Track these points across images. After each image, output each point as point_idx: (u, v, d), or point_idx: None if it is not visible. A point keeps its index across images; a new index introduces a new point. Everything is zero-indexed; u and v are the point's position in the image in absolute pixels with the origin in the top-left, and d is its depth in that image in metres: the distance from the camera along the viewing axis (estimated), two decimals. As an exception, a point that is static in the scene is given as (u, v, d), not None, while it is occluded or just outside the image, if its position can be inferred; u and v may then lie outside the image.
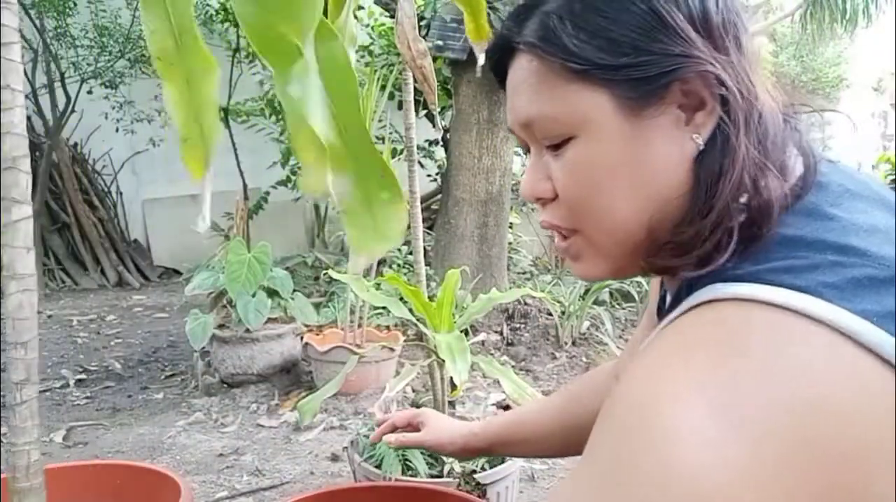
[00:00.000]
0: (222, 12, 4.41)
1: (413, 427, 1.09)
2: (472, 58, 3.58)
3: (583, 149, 0.53)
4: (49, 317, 4.48)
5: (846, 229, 0.46)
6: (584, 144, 0.53)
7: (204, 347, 2.85)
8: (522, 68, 0.55)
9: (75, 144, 5.77)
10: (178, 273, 5.74)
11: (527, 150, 0.60)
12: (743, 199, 0.49)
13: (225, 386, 2.90)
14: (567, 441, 0.95)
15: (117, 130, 5.53)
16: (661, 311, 0.74)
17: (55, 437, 2.48)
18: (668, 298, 0.57)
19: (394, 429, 1.10)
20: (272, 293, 2.89)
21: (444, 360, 1.60)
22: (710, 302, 0.45)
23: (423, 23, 3.77)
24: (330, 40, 0.65)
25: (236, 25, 4.65)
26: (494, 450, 1.02)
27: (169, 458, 2.31)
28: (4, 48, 0.53)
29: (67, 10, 5.01)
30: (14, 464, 0.54)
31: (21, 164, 0.54)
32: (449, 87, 3.92)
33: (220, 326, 2.90)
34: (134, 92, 5.37)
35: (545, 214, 0.58)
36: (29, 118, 5.37)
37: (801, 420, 0.38)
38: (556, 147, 0.54)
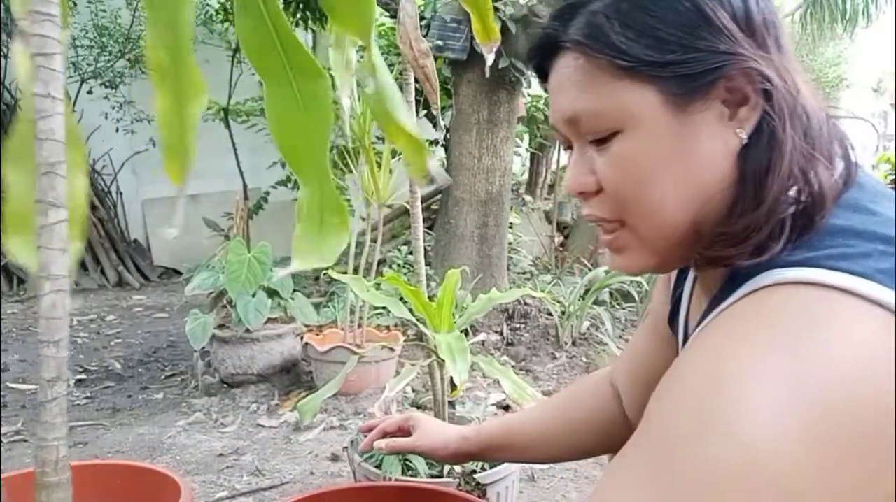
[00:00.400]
0: (222, 12, 4.41)
1: (404, 431, 1.07)
2: (472, 58, 3.58)
3: (629, 143, 0.54)
4: (49, 317, 4.48)
5: (888, 222, 0.49)
6: (630, 139, 0.54)
7: (204, 347, 2.85)
8: (568, 66, 0.56)
9: (75, 144, 5.77)
10: (178, 273, 5.74)
11: (567, 147, 0.61)
12: (793, 191, 0.51)
13: (225, 386, 2.90)
14: (559, 447, 0.95)
15: (117, 130, 5.52)
16: (675, 314, 0.75)
17: (55, 437, 2.48)
18: (713, 292, 0.58)
19: (384, 435, 1.08)
20: (272, 293, 2.89)
21: (444, 360, 1.59)
22: (770, 286, 0.47)
23: (423, 23, 3.77)
24: (316, 78, 0.70)
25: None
26: (486, 455, 1.00)
27: (169, 458, 2.31)
28: (46, 59, 0.56)
29: (67, 10, 5.00)
30: (43, 459, 0.55)
31: (58, 170, 0.56)
32: (449, 87, 3.92)
33: (220, 326, 2.90)
34: (134, 92, 5.36)
35: (589, 208, 0.59)
36: (29, 118, 5.37)
37: (860, 396, 0.40)
38: (602, 142, 0.56)
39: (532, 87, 4.43)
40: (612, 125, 0.54)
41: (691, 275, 0.72)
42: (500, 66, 3.47)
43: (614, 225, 0.58)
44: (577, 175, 0.58)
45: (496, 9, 3.40)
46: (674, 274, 0.78)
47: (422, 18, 3.78)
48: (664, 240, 0.56)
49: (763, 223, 0.51)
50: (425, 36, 3.72)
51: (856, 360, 0.41)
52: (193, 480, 2.15)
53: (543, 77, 0.61)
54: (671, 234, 0.56)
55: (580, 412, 0.95)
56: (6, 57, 4.88)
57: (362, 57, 0.72)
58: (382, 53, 3.96)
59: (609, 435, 0.91)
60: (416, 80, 1.43)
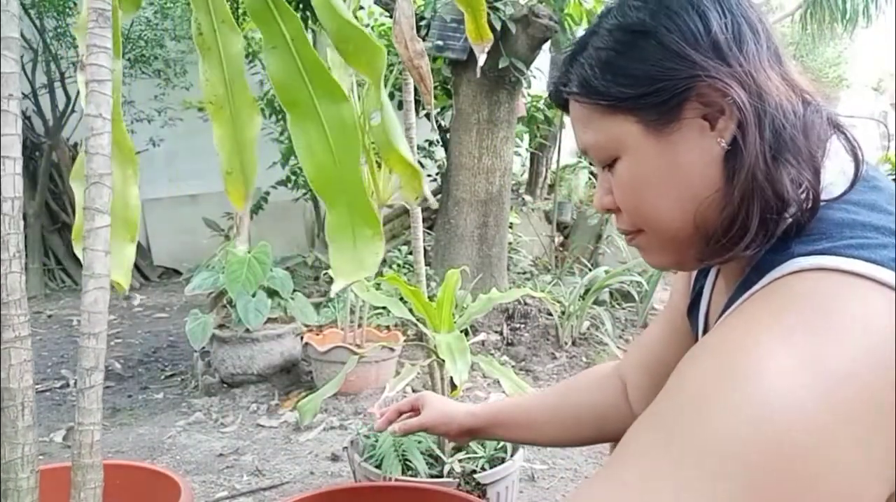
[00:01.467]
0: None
1: (415, 410, 1.10)
2: (472, 58, 3.58)
3: (626, 166, 0.63)
4: (49, 316, 4.49)
5: None
6: (626, 163, 0.63)
7: (204, 347, 2.85)
8: (574, 109, 0.67)
9: (75, 144, 5.77)
10: (178, 273, 5.74)
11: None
12: (770, 188, 0.57)
13: (225, 386, 2.90)
14: (562, 429, 0.98)
15: (117, 130, 5.53)
16: (695, 307, 0.81)
17: (55, 437, 2.48)
18: (735, 282, 0.64)
19: (399, 414, 1.11)
20: (272, 293, 2.89)
21: (444, 360, 1.60)
22: (794, 273, 0.52)
23: (423, 23, 3.77)
24: (341, 102, 0.76)
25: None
26: (491, 432, 1.04)
27: (169, 458, 2.31)
28: (100, 84, 0.65)
29: (67, 10, 5.01)
30: (80, 442, 0.63)
31: (105, 181, 0.63)
32: (449, 87, 3.92)
33: (220, 326, 2.91)
34: (134, 92, 5.36)
35: (617, 222, 0.69)
36: (29, 118, 5.37)
37: (873, 370, 0.45)
38: (609, 167, 0.66)
39: (532, 87, 4.43)
40: (611, 153, 0.64)
41: (714, 269, 0.78)
42: (500, 66, 3.47)
43: (633, 233, 0.68)
44: (600, 195, 0.68)
45: (496, 9, 3.40)
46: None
47: (422, 18, 3.78)
48: (672, 242, 0.65)
49: (745, 221, 0.57)
50: (425, 36, 3.72)
51: (871, 339, 0.46)
52: (193, 480, 2.15)
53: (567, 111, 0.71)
54: (677, 237, 0.64)
55: (585, 398, 0.98)
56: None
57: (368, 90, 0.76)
58: (382, 53, 3.97)
59: (611, 425, 0.94)
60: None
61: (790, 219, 0.56)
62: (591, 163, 0.65)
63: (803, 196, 0.56)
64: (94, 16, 0.64)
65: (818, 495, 0.43)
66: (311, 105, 0.76)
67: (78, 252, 0.74)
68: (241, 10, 4.53)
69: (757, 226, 0.57)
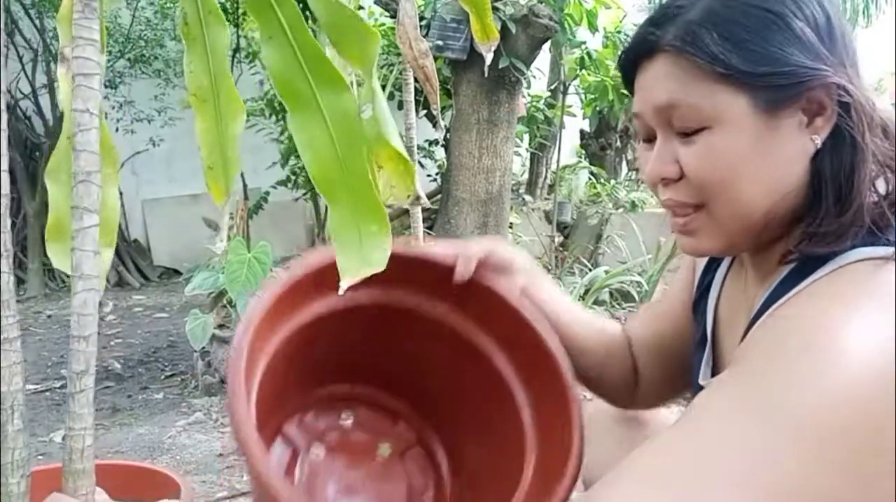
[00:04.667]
0: (223, 12, 4.40)
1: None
2: (472, 58, 3.58)
3: (718, 139, 0.60)
4: (49, 317, 4.48)
5: None
6: (718, 135, 0.60)
7: (204, 347, 2.84)
8: (667, 64, 0.62)
9: (75, 144, 5.77)
10: (178, 273, 5.73)
11: (646, 140, 0.68)
12: (882, 188, 0.59)
13: (225, 386, 2.89)
14: (591, 355, 0.90)
15: (117, 130, 5.52)
16: (702, 300, 0.81)
17: (55, 437, 2.48)
18: (772, 276, 0.65)
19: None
20: (272, 293, 2.88)
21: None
22: (859, 261, 0.56)
23: (423, 23, 3.76)
24: (342, 92, 0.74)
25: (236, 25, 4.65)
26: None
27: (169, 458, 2.31)
28: (86, 78, 0.62)
29: (62, 1, 5.00)
30: (71, 447, 0.61)
31: (93, 178, 0.62)
32: (449, 87, 3.91)
33: (220, 326, 2.90)
34: (134, 92, 5.36)
35: (669, 192, 0.65)
36: (29, 118, 5.36)
37: None
38: (688, 134, 0.62)
39: (532, 87, 4.42)
40: (703, 120, 0.61)
41: (725, 263, 0.79)
42: (500, 66, 3.46)
43: (690, 209, 0.65)
44: (662, 163, 0.64)
45: (496, 9, 3.39)
46: (701, 263, 0.84)
47: (422, 18, 3.77)
48: (738, 225, 0.63)
49: (852, 222, 0.58)
50: (425, 36, 3.71)
51: None
52: (193, 480, 2.14)
53: (628, 73, 0.68)
54: (744, 222, 0.62)
55: (615, 345, 0.94)
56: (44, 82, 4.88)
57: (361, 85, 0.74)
58: (382, 53, 3.96)
59: (622, 380, 0.93)
60: (416, 80, 1.43)
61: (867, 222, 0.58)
62: (646, 131, 0.69)
63: (875, 199, 0.59)
64: (79, 6, 0.62)
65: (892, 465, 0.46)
66: (312, 96, 0.74)
67: (51, 253, 0.73)
68: (241, 10, 4.53)
69: (834, 226, 0.59)
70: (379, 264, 0.73)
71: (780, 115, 0.59)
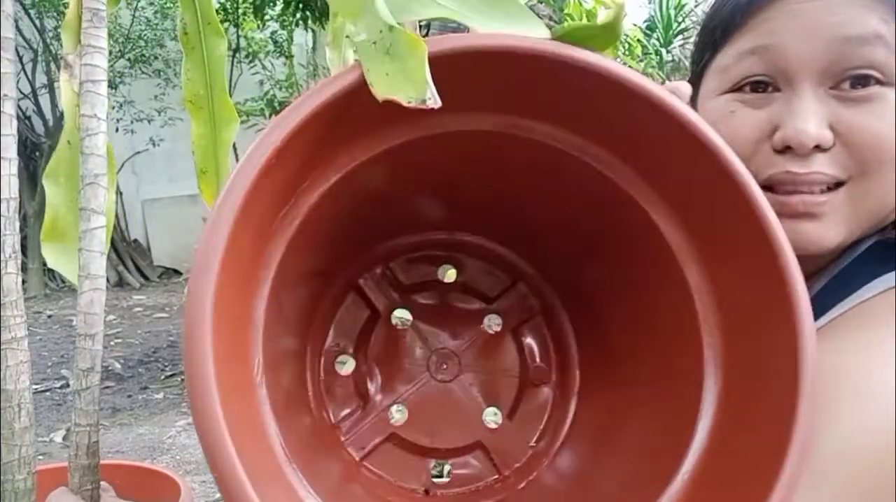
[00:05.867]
0: (222, 12, 4.41)
1: None
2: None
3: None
4: (49, 317, 4.49)
5: None
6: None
7: (204, 347, 2.85)
8: None
9: (75, 144, 5.78)
10: (178, 273, 5.75)
11: (757, 87, 0.52)
12: None
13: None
14: None
15: (117, 130, 5.53)
16: None
17: (55, 437, 2.48)
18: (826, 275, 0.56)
19: None
20: (272, 293, 2.89)
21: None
22: (881, 293, 0.50)
23: (423, 22, 3.77)
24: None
25: (236, 25, 4.66)
26: None
27: (169, 458, 2.31)
28: (94, 84, 0.64)
29: (67, 10, 5.01)
30: (77, 443, 0.60)
31: (101, 181, 0.63)
32: (449, 86, 3.92)
33: (220, 326, 2.91)
34: (134, 92, 5.37)
35: (818, 164, 0.50)
36: (29, 118, 5.38)
37: None
38: (857, 89, 0.49)
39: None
40: (887, 72, 0.48)
41: None
42: (499, 66, 3.47)
43: (832, 184, 0.51)
44: (819, 126, 0.49)
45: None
46: None
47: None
48: (878, 210, 0.52)
49: None
50: (425, 36, 3.72)
51: None
52: (193, 480, 2.15)
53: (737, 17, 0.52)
54: (887, 207, 0.52)
55: None
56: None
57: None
58: (382, 53, 3.97)
59: None
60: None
61: None
62: (776, 79, 0.51)
63: None
64: (88, 15, 0.64)
65: None
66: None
67: (47, 253, 0.74)
68: (240, 11, 4.53)
69: None
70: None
71: None
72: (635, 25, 5.45)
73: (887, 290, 0.50)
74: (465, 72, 0.43)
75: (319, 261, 0.53)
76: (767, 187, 0.51)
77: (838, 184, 0.51)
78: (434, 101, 0.40)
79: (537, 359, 0.61)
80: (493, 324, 0.61)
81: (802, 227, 0.51)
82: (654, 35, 5.70)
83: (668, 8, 5.90)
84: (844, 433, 0.44)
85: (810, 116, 0.49)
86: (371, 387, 0.56)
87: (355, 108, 0.44)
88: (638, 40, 5.14)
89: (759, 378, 0.43)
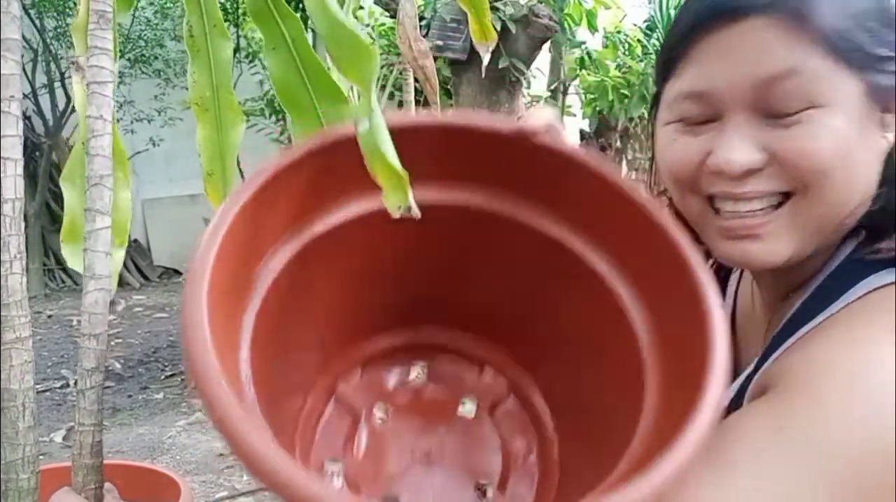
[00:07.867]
0: (222, 12, 4.41)
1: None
2: (472, 58, 3.58)
3: (827, 118, 0.53)
4: (49, 317, 4.49)
5: None
6: (827, 115, 0.53)
7: (204, 347, 2.85)
8: (770, 29, 0.53)
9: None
10: (178, 273, 5.74)
11: (699, 121, 0.57)
12: None
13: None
14: None
15: (117, 130, 5.53)
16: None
17: (55, 437, 2.48)
18: (799, 289, 0.60)
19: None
20: (272, 293, 2.89)
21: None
22: (883, 287, 0.52)
23: (422, 23, 3.77)
24: (340, 103, 0.74)
25: (237, 25, 4.66)
26: None
27: (169, 458, 2.32)
28: (100, 86, 0.64)
29: (67, 10, 5.01)
30: (81, 442, 0.60)
31: (106, 182, 0.62)
32: (449, 87, 3.92)
33: (221, 326, 2.91)
34: (134, 92, 5.37)
35: (753, 184, 0.55)
36: (29, 118, 5.37)
37: None
38: (788, 115, 0.53)
39: (532, 87, 4.43)
40: (812, 97, 0.53)
41: (735, 275, 0.74)
42: (500, 66, 3.47)
43: (773, 202, 0.56)
44: (748, 152, 0.54)
45: (496, 9, 3.40)
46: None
47: (422, 18, 3.78)
48: (823, 223, 0.56)
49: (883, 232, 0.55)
50: (425, 36, 3.72)
51: None
52: (193, 480, 2.15)
53: (699, 34, 0.56)
54: (830, 220, 0.56)
55: None
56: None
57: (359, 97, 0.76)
58: (382, 53, 3.97)
59: None
60: (416, 80, 1.43)
61: None
62: (711, 111, 0.57)
63: None
64: (94, 17, 0.64)
65: None
66: (311, 105, 0.76)
67: (66, 253, 0.75)
68: (241, 11, 4.53)
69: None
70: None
71: (875, 106, 0.54)
72: (635, 25, 5.45)
73: (880, 288, 0.52)
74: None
75: (296, 369, 0.57)
76: (712, 203, 0.57)
77: (787, 197, 0.55)
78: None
79: (516, 436, 0.64)
80: (468, 409, 0.65)
81: (748, 247, 0.56)
82: (654, 35, 5.69)
83: (668, 8, 5.89)
84: (837, 428, 0.46)
85: (736, 145, 0.54)
86: (362, 488, 0.58)
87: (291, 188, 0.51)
88: (638, 40, 5.15)
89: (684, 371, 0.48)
